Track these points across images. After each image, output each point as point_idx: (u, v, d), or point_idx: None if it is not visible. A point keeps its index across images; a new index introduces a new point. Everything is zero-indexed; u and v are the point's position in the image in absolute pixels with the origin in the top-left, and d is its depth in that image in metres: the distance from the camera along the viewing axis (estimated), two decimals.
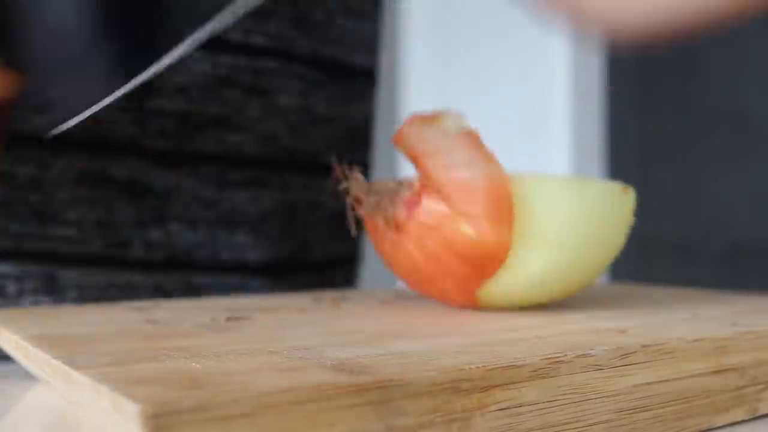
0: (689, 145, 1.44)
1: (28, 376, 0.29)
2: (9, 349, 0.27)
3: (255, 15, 0.43)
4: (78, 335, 0.24)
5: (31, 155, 0.38)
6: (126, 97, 0.35)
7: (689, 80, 1.47)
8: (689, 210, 1.51)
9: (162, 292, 0.42)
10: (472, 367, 0.19)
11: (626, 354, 0.22)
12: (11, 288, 0.38)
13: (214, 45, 0.41)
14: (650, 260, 1.46)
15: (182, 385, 0.17)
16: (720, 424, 0.24)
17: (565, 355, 0.20)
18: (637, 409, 0.22)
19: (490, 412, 0.19)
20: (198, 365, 0.19)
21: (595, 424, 0.21)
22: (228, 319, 0.28)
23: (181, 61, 0.39)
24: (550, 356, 0.20)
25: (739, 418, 0.24)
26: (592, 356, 0.21)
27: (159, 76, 0.39)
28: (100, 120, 0.39)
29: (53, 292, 0.39)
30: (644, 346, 0.22)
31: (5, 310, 0.30)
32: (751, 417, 0.25)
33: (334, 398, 0.17)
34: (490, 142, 0.29)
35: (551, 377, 0.20)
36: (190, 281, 0.42)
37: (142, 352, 0.21)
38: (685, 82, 1.45)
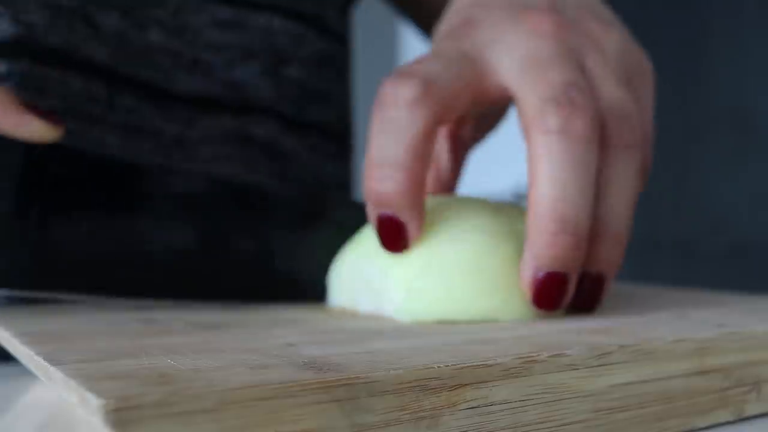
0: (689, 145, 1.43)
1: (27, 374, 0.29)
2: (6, 347, 0.27)
3: None
4: (67, 332, 0.25)
5: (179, 114, 0.41)
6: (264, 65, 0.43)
7: (690, 80, 1.45)
8: (689, 210, 1.49)
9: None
10: (441, 365, 0.19)
11: (603, 354, 0.22)
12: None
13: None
14: (650, 260, 1.44)
15: (151, 380, 0.17)
16: (703, 425, 0.24)
17: (539, 355, 0.20)
18: (614, 410, 0.22)
19: (460, 410, 0.19)
20: (173, 362, 0.19)
21: (569, 423, 0.21)
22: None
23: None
24: (522, 356, 0.20)
25: (723, 420, 0.24)
26: (567, 356, 0.21)
27: (286, 46, 0.45)
28: (240, 84, 0.43)
29: None
30: (622, 346, 0.22)
31: (6, 308, 0.31)
32: (737, 419, 0.25)
33: (298, 395, 0.17)
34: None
35: (523, 377, 0.20)
36: None
37: (123, 349, 0.21)
38: (686, 82, 1.44)
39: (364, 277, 0.30)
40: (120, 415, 0.15)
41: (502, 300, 0.28)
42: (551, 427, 0.21)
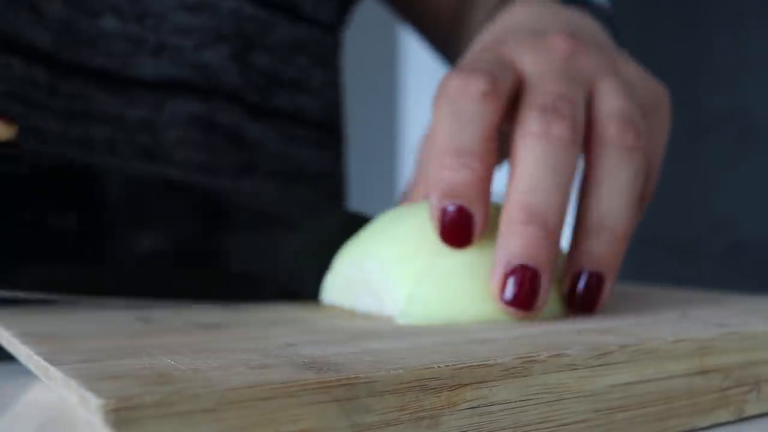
0: (690, 145, 1.43)
1: (27, 374, 0.29)
2: (7, 347, 0.27)
3: None
4: (67, 332, 0.25)
5: (144, 98, 0.41)
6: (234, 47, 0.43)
7: (690, 80, 1.46)
8: (689, 210, 1.49)
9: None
10: (441, 365, 0.19)
11: (603, 354, 0.22)
12: None
13: (293, 14, 0.47)
14: (651, 260, 1.44)
15: (151, 380, 0.17)
16: (703, 425, 0.24)
17: (539, 355, 0.20)
18: (615, 410, 0.22)
19: (460, 410, 0.19)
20: (173, 362, 0.19)
21: (569, 423, 0.21)
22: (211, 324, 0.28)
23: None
24: (522, 356, 0.20)
25: (723, 420, 0.24)
26: (567, 356, 0.21)
27: (254, 33, 0.45)
28: (209, 67, 0.43)
29: None
30: (622, 346, 0.22)
31: (5, 309, 0.31)
32: (737, 418, 0.25)
33: (298, 395, 0.17)
34: None
35: (523, 377, 0.20)
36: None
37: (123, 349, 0.21)
38: (686, 82, 1.44)
39: (364, 276, 0.30)
40: (120, 414, 0.15)
41: None
42: (551, 427, 0.21)
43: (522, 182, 0.28)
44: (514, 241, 0.27)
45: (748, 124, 1.44)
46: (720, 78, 1.46)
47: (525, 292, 0.27)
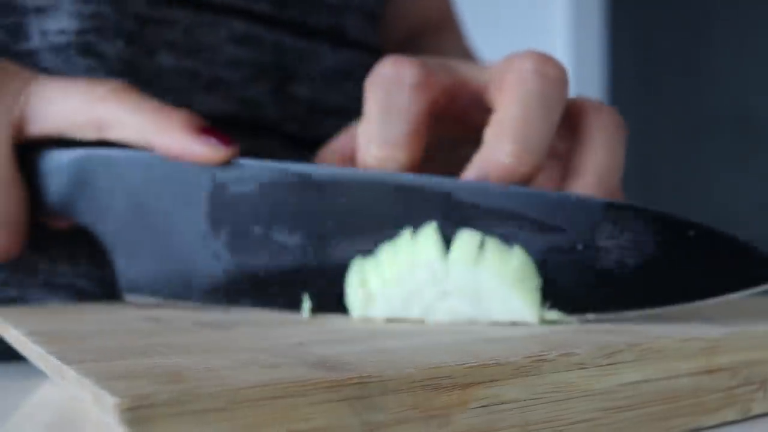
0: (690, 146, 1.43)
1: (34, 374, 0.29)
2: (17, 346, 0.27)
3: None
4: (77, 332, 0.25)
5: None
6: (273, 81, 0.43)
7: (690, 81, 1.46)
8: (690, 212, 1.50)
9: None
10: (452, 364, 0.19)
11: (612, 353, 0.22)
12: None
13: (337, 40, 0.46)
14: None
15: (164, 379, 0.17)
16: (710, 424, 0.24)
17: (549, 354, 0.21)
18: (622, 408, 0.22)
19: (471, 409, 0.19)
20: (184, 361, 0.19)
21: (578, 422, 0.21)
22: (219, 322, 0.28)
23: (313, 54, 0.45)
24: (532, 355, 0.20)
25: (730, 419, 0.24)
26: (576, 355, 0.21)
27: (294, 64, 0.44)
28: (253, 102, 0.43)
29: None
30: (631, 345, 0.22)
31: (14, 309, 0.31)
32: (744, 417, 0.25)
33: (310, 394, 0.17)
34: None
35: (533, 375, 0.20)
36: None
37: (134, 348, 0.22)
38: (687, 83, 1.44)
39: (460, 284, 0.27)
40: (134, 413, 0.15)
41: None
42: (559, 426, 0.21)
43: (518, 108, 0.28)
44: (497, 155, 0.28)
45: (749, 126, 1.44)
46: (720, 78, 1.46)
47: None
